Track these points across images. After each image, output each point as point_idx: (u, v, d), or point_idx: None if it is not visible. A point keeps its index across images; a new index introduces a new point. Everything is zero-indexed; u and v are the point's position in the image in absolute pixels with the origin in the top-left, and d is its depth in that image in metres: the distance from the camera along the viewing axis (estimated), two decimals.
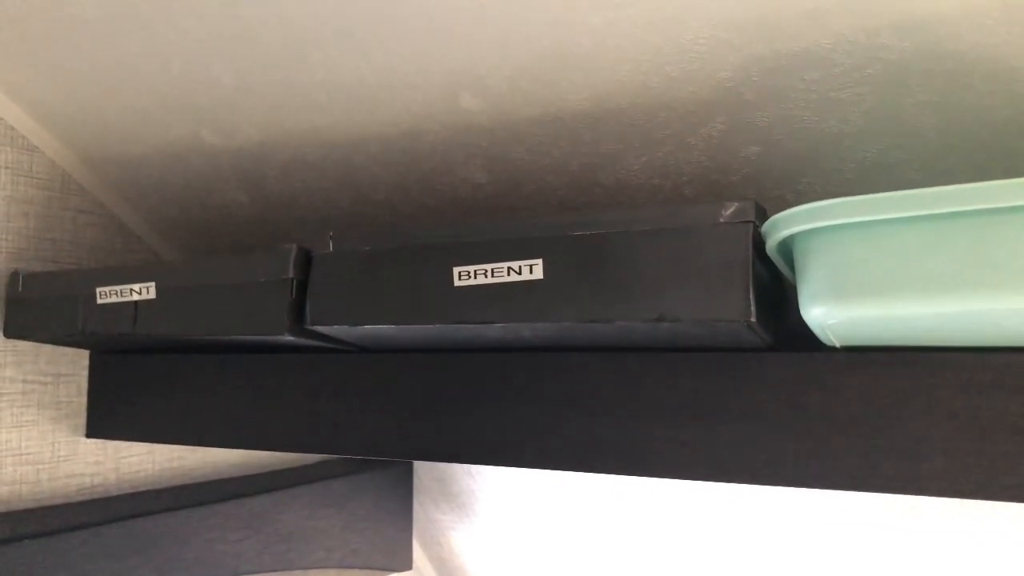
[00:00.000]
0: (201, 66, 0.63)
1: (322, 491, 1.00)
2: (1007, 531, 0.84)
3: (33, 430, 0.77)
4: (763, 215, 0.46)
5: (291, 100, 0.66)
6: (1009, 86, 0.50)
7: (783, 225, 0.43)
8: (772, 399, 0.51)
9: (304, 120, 0.68)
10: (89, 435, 0.81)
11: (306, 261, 0.60)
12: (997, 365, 0.45)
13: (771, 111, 0.56)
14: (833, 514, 0.93)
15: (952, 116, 0.53)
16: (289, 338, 0.60)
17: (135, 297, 0.67)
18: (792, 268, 0.47)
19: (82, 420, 0.81)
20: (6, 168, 0.76)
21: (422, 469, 1.20)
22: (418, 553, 1.28)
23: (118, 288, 0.67)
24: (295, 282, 0.59)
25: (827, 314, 0.43)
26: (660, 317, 0.47)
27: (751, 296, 0.45)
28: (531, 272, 0.51)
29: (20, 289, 0.73)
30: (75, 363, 0.81)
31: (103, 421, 0.80)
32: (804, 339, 0.49)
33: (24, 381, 0.77)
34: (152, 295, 0.66)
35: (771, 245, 0.45)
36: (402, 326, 0.55)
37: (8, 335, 0.74)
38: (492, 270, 0.52)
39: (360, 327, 0.57)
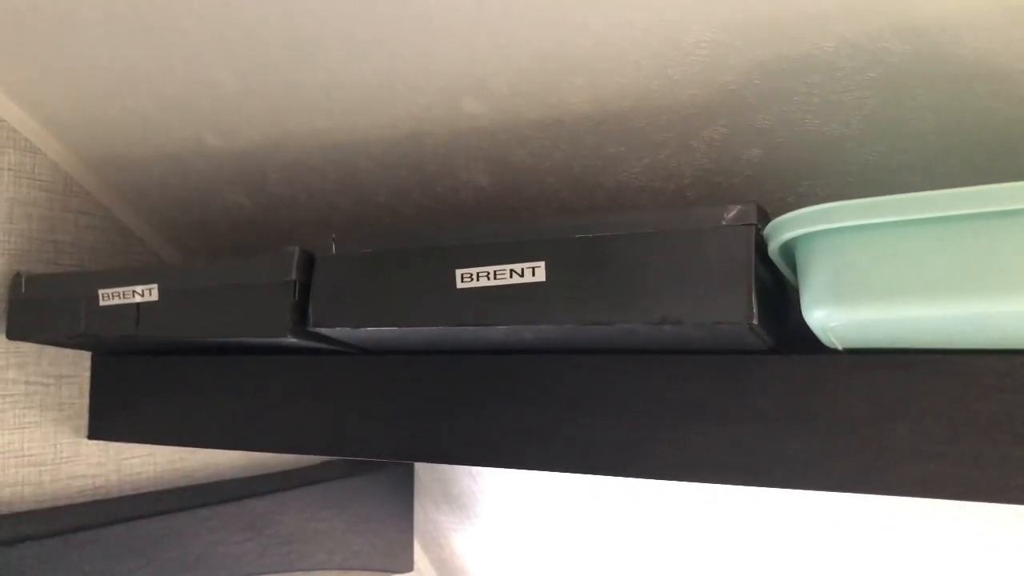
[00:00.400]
0: (203, 68, 0.64)
1: (323, 493, 1.00)
2: (1009, 533, 0.84)
3: (35, 431, 0.77)
4: (765, 218, 0.47)
5: (293, 102, 0.66)
6: (1010, 89, 0.50)
7: (785, 228, 0.44)
8: (774, 401, 0.51)
9: (306, 122, 0.68)
10: (91, 437, 0.81)
11: (309, 263, 0.60)
12: (999, 368, 0.45)
13: (773, 114, 0.56)
14: (835, 516, 0.93)
15: (953, 119, 0.53)
16: (292, 340, 0.60)
17: (137, 299, 0.67)
18: (794, 271, 0.47)
19: (84, 422, 0.81)
20: (8, 170, 0.76)
21: (423, 471, 1.20)
22: (419, 555, 1.28)
23: (120, 290, 0.67)
24: (298, 284, 0.59)
25: (829, 316, 0.43)
26: (662, 320, 0.48)
27: (753, 298, 0.45)
28: (533, 274, 0.51)
29: (22, 291, 0.73)
30: (77, 364, 0.82)
31: (105, 423, 0.80)
32: (806, 341, 0.49)
33: (26, 383, 0.77)
34: (154, 297, 0.66)
35: (773, 248, 0.46)
36: (404, 328, 0.55)
37: (10, 337, 0.74)
38: (494, 272, 0.52)
39: (362, 329, 0.57)
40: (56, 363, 0.80)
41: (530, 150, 0.65)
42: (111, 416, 0.80)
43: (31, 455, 0.76)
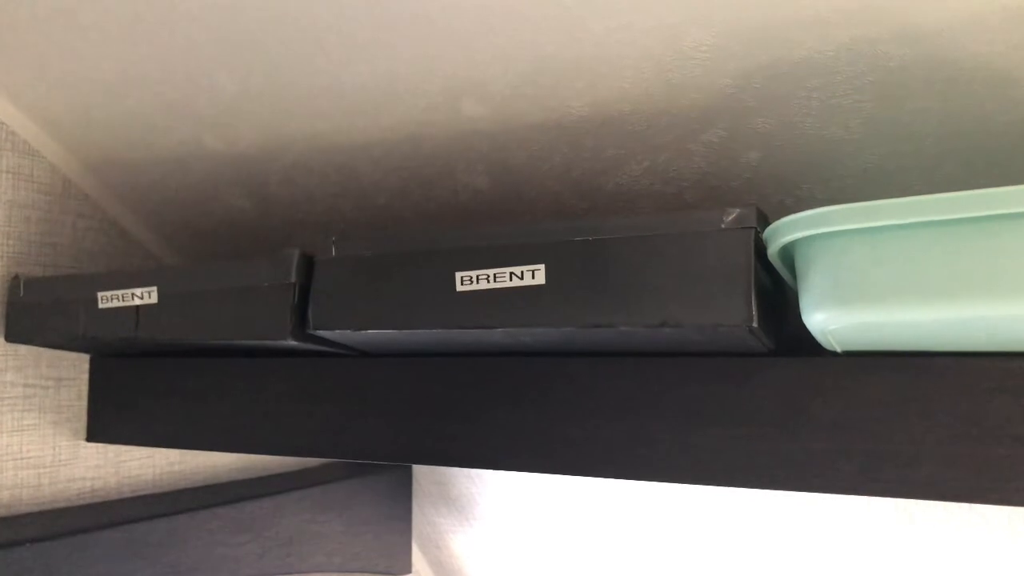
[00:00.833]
0: (203, 71, 0.64)
1: (322, 495, 1.00)
2: (1007, 536, 0.84)
3: (34, 434, 0.77)
4: (764, 221, 0.47)
5: (293, 106, 0.66)
6: (1008, 93, 0.50)
7: (784, 231, 0.44)
8: (773, 404, 0.51)
9: (306, 125, 0.68)
10: (90, 439, 0.81)
11: (308, 266, 0.60)
12: (998, 370, 0.46)
13: (772, 118, 0.57)
14: (835, 518, 0.93)
15: (952, 123, 0.53)
16: (291, 343, 0.60)
17: (136, 302, 0.67)
18: (793, 273, 0.47)
19: (83, 424, 0.81)
20: (7, 173, 0.76)
21: (421, 473, 1.20)
22: (417, 557, 1.28)
23: (119, 293, 0.67)
24: (298, 287, 0.59)
25: (828, 319, 0.44)
26: (662, 323, 0.48)
27: (753, 301, 0.45)
28: (533, 277, 0.51)
29: (21, 294, 0.73)
30: (76, 367, 0.82)
31: (104, 425, 0.80)
32: (805, 344, 0.49)
33: (25, 385, 0.77)
34: (154, 300, 0.66)
35: (772, 251, 0.46)
36: (404, 331, 0.56)
37: (9, 339, 0.74)
38: (494, 275, 0.52)
39: (362, 332, 0.57)
40: (55, 366, 0.80)
41: (530, 153, 0.66)
42: (110, 419, 0.80)
43: (30, 458, 0.76)
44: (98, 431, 0.80)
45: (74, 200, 0.82)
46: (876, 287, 0.42)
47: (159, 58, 0.63)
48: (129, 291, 0.67)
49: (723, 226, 0.47)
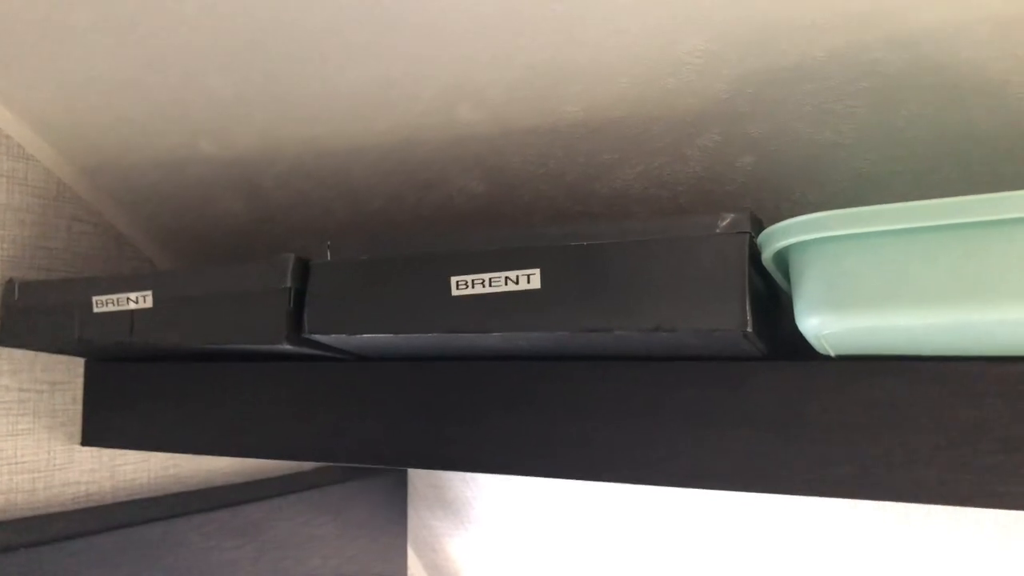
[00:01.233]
0: (197, 75, 0.64)
1: (318, 499, 1.00)
2: (999, 538, 0.85)
3: (29, 438, 0.77)
4: (759, 226, 0.47)
5: (289, 110, 0.66)
6: (999, 100, 0.51)
7: (778, 236, 0.44)
8: (768, 407, 0.51)
9: (302, 130, 0.68)
10: (84, 443, 0.80)
11: (304, 270, 0.60)
12: (990, 374, 0.46)
13: (766, 123, 0.57)
14: (828, 521, 0.93)
15: (944, 128, 0.54)
16: (287, 347, 0.60)
17: (131, 306, 0.67)
18: (788, 278, 0.48)
19: (77, 428, 0.81)
20: (1, 176, 0.76)
21: (417, 476, 1.20)
22: (413, 560, 1.28)
23: (114, 297, 0.67)
24: (293, 291, 0.59)
25: (822, 324, 0.44)
26: (657, 327, 0.48)
27: (747, 306, 0.46)
28: (528, 282, 0.51)
29: (16, 298, 0.73)
30: (71, 371, 0.81)
31: (98, 429, 0.80)
32: (800, 348, 0.50)
33: (20, 389, 0.77)
34: (149, 304, 0.66)
35: (767, 256, 0.46)
36: (399, 335, 0.56)
37: (3, 343, 0.74)
38: (490, 280, 0.53)
39: (358, 336, 0.57)
40: (49, 370, 0.80)
41: (525, 158, 0.66)
42: (105, 422, 0.80)
43: (24, 462, 0.76)
44: (93, 435, 0.80)
45: (69, 204, 0.82)
46: (869, 292, 0.42)
47: (154, 62, 0.63)
48: (124, 295, 0.67)
49: (718, 231, 0.47)
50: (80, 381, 0.82)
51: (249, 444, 0.70)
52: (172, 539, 0.79)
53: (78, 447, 0.81)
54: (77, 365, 0.82)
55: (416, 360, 0.63)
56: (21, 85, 0.70)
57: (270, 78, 0.63)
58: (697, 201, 0.66)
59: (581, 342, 0.53)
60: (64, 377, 0.81)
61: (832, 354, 0.49)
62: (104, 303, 0.68)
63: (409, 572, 1.20)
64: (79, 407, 0.82)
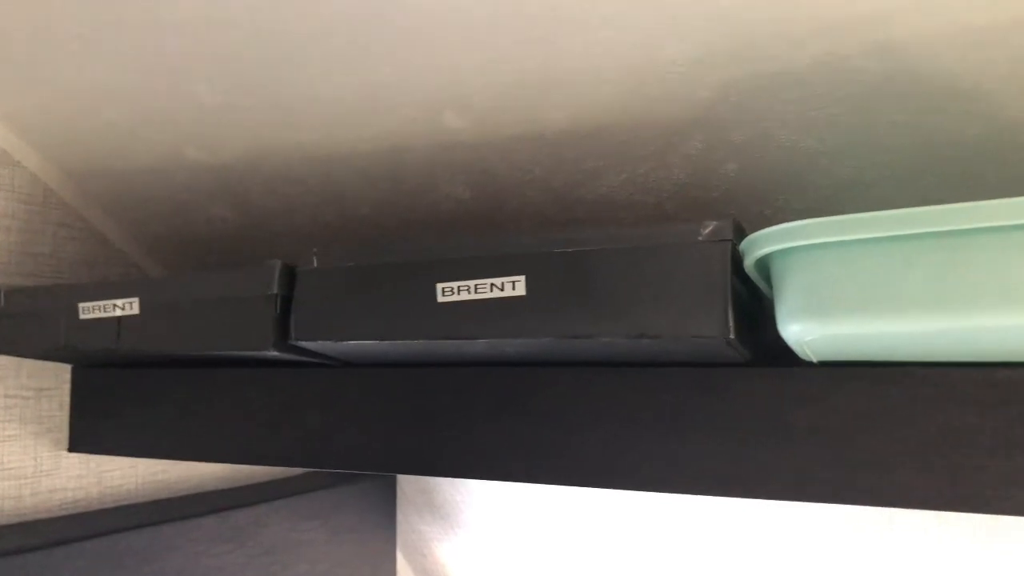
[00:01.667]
0: (184, 82, 0.64)
1: (306, 504, 1.00)
2: (983, 543, 0.85)
3: (15, 445, 0.77)
4: (741, 233, 0.47)
5: (275, 117, 0.66)
6: (982, 108, 0.51)
7: (760, 244, 0.44)
8: (751, 413, 0.51)
9: (288, 136, 0.68)
10: (71, 449, 0.80)
11: (290, 277, 0.60)
12: (971, 381, 0.46)
13: (748, 130, 0.57)
14: (811, 527, 0.94)
15: (925, 136, 0.54)
16: (274, 353, 0.60)
17: (118, 312, 0.67)
18: (771, 285, 0.48)
19: (64, 434, 0.81)
20: None
21: (406, 481, 1.20)
22: (402, 565, 1.28)
23: (101, 303, 0.67)
24: (280, 298, 0.60)
25: (804, 331, 0.44)
26: (641, 334, 0.48)
27: (730, 313, 0.46)
28: (514, 289, 0.52)
29: (2, 304, 0.73)
30: (57, 377, 0.81)
31: (85, 435, 0.80)
32: (783, 354, 0.50)
33: (6, 396, 0.76)
34: (135, 311, 0.66)
35: (749, 263, 0.46)
36: (386, 342, 0.56)
37: None
38: (475, 286, 0.53)
39: (344, 342, 0.57)
40: (36, 376, 0.79)
41: (511, 164, 0.66)
42: (92, 429, 0.80)
43: (11, 468, 0.76)
44: (80, 441, 0.80)
45: (55, 210, 0.82)
46: (850, 299, 0.42)
47: (141, 68, 0.63)
48: (111, 302, 0.67)
49: (700, 239, 0.48)
50: (67, 387, 0.82)
51: (236, 450, 0.70)
52: (160, 545, 0.79)
53: (65, 453, 0.80)
54: (64, 371, 0.82)
55: (403, 366, 0.63)
56: (7, 91, 0.70)
57: (257, 85, 0.63)
58: (682, 207, 0.66)
59: (566, 348, 0.53)
60: (51, 383, 0.81)
61: (815, 360, 0.49)
62: (91, 309, 0.68)
63: None
64: (66, 413, 0.81)
